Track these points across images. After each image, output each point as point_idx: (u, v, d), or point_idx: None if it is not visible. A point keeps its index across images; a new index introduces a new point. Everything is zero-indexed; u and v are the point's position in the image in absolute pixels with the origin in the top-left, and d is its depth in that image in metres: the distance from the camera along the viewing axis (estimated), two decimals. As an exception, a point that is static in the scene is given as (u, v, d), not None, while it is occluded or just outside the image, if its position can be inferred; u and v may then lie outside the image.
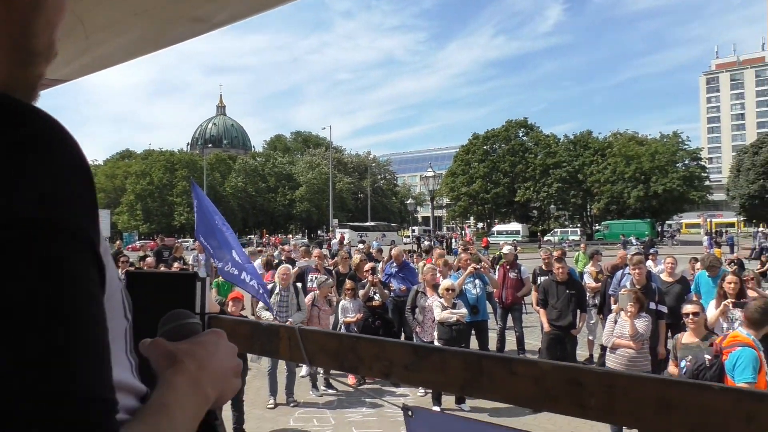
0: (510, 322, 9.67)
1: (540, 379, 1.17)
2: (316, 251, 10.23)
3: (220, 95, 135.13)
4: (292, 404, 7.10)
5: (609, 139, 64.70)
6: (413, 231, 62.98)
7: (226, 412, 6.28)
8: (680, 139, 60.30)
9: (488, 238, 47.01)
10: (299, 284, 8.29)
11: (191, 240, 49.97)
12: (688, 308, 5.16)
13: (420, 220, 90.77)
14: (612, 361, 5.85)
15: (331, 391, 7.69)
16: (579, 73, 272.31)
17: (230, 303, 6.45)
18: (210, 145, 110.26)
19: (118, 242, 23.96)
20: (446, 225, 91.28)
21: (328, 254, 16.66)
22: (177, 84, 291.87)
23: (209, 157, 79.23)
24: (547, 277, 7.95)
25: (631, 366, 5.70)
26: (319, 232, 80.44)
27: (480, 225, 75.60)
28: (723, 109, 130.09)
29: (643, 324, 5.77)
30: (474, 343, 8.34)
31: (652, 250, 14.53)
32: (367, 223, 69.13)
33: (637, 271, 6.86)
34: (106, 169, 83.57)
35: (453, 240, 44.17)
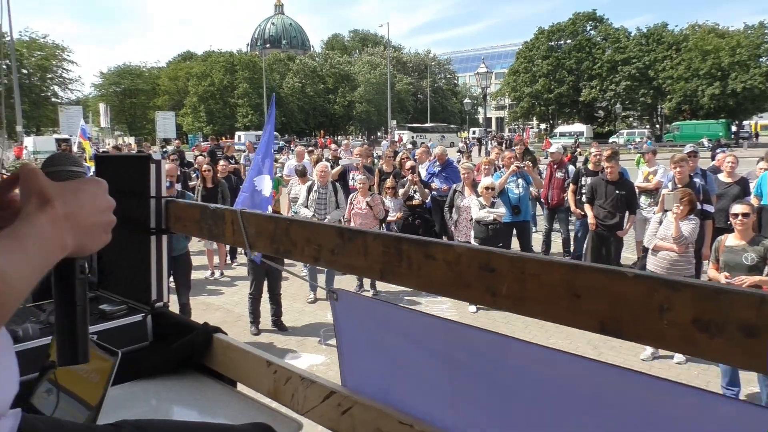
0: (556, 224, 9.47)
1: (454, 264, 1.05)
2: (357, 149, 10.14)
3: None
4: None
5: (686, 32, 59.74)
6: (473, 132, 61.81)
7: (265, 305, 6.54)
8: (767, 31, 54.98)
9: (551, 140, 45.50)
10: (339, 183, 8.30)
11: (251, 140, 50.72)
12: (736, 209, 4.84)
13: (481, 121, 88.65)
14: (653, 264, 5.64)
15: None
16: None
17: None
18: (268, 46, 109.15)
19: (176, 141, 24.51)
20: (508, 126, 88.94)
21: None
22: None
23: (268, 58, 78.66)
24: (596, 177, 7.60)
25: (673, 270, 5.47)
26: (378, 133, 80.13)
27: (543, 126, 73.19)
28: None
29: (689, 227, 5.46)
30: (516, 244, 8.26)
31: (718, 150, 13.67)
32: (426, 125, 68.20)
33: (678, 169, 6.44)
34: (169, 71, 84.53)
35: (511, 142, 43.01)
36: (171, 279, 5.92)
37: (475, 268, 1.02)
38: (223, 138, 61.81)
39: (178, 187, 7.47)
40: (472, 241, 7.06)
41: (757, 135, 55.96)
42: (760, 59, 53.80)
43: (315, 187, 7.62)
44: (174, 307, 6.00)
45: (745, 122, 58.74)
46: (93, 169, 10.37)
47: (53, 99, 60.13)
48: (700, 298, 0.78)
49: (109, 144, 31.55)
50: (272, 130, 6.30)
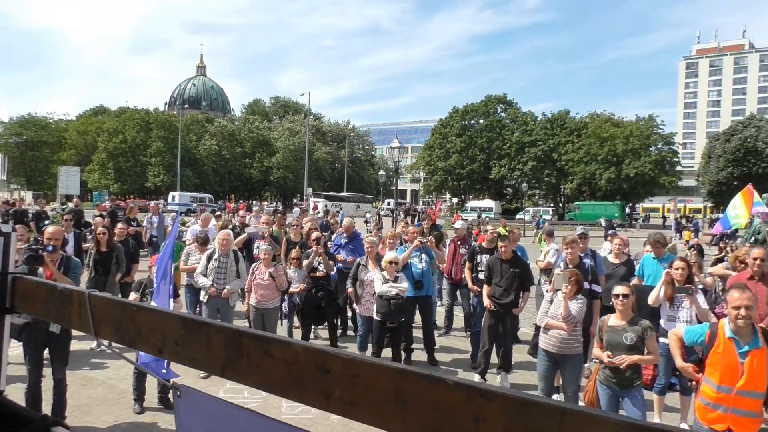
0: (459, 298, 9.64)
1: (292, 362, 1.02)
2: (264, 217, 10.02)
3: (201, 55, 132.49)
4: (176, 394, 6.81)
5: (585, 120, 64.82)
6: (388, 203, 63.04)
7: (152, 380, 6.14)
8: (655, 123, 60.62)
9: (461, 214, 47.02)
10: (242, 251, 8.11)
11: (162, 201, 49.32)
12: (617, 290, 5.12)
13: (395, 193, 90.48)
14: (544, 342, 5.81)
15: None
16: (563, 52, 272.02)
17: (152, 269, 6.21)
18: (188, 106, 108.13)
19: (76, 199, 23.37)
20: (422, 199, 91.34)
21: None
22: (157, 41, 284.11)
23: (186, 118, 77.66)
24: (492, 256, 7.80)
25: (563, 347, 5.67)
26: (294, 200, 79.97)
27: (455, 200, 75.76)
28: (700, 95, 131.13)
29: (577, 306, 5.71)
30: (418, 318, 8.30)
31: (610, 231, 14.59)
32: (342, 194, 68.94)
33: (569, 250, 6.79)
34: (78, 124, 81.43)
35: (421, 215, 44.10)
36: (46, 350, 5.46)
37: (311, 368, 0.99)
38: (131, 197, 59.70)
39: (69, 249, 7.05)
40: (374, 316, 7.04)
41: (647, 217, 60.47)
42: (650, 149, 59.01)
43: (215, 255, 7.40)
44: (48, 381, 5.53)
45: (638, 204, 63.55)
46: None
47: (-57, 147, 56.34)
48: (509, 409, 0.79)
49: (0, 197, 29.53)
50: (173, 246, 6.05)
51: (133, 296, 6.18)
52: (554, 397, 6.14)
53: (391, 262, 7.06)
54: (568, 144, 61.56)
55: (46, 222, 14.07)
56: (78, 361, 7.02)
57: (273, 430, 1.09)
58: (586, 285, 6.48)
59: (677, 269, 6.02)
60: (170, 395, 6.07)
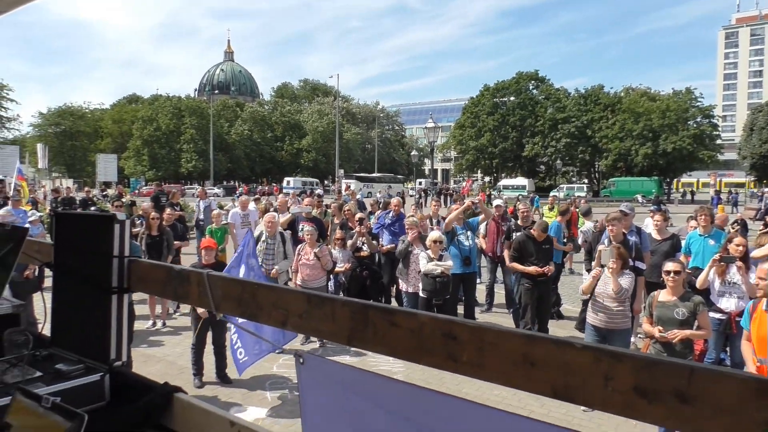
0: (500, 275, 9.70)
1: (417, 331, 1.13)
2: (306, 199, 10.19)
3: (228, 41, 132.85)
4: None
5: (620, 95, 63.43)
6: (420, 183, 62.95)
7: (209, 356, 6.38)
8: (693, 96, 59.02)
9: (493, 192, 46.72)
10: (289, 232, 8.30)
11: (197, 186, 50.18)
12: (669, 266, 5.12)
13: (427, 172, 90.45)
14: (592, 317, 5.86)
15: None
16: (595, 25, 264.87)
17: (203, 251, 6.42)
18: (217, 92, 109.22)
19: (119, 186, 23.98)
20: (453, 178, 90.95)
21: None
22: (185, 28, 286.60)
23: (216, 104, 78.54)
24: (521, 234, 7.87)
25: (611, 322, 5.71)
26: (325, 181, 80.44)
27: (487, 179, 75.27)
28: (741, 66, 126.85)
29: (626, 280, 5.73)
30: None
31: (653, 207, 14.42)
32: (374, 174, 69.05)
33: (612, 227, 6.77)
34: (113, 113, 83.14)
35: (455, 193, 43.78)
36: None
37: (438, 335, 1.10)
38: (166, 182, 60.84)
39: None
40: (421, 293, 7.17)
41: (687, 193, 59.12)
42: (688, 123, 57.52)
43: (263, 237, 7.60)
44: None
45: (674, 180, 62.16)
46: (30, 213, 10.02)
47: (-11, 138, 58.11)
48: (639, 368, 0.88)
49: (45, 185, 30.48)
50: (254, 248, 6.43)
51: None
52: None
53: (435, 241, 7.16)
54: (603, 120, 60.48)
55: (92, 208, 14.52)
56: (137, 339, 7.34)
57: (402, 391, 1.19)
58: (630, 262, 6.49)
59: (738, 246, 5.98)
60: (226, 372, 6.32)
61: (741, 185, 65.32)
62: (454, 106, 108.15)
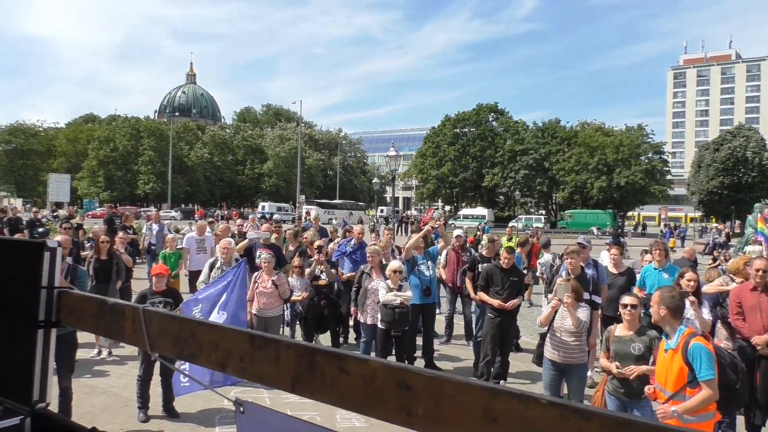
0: (459, 306, 9.66)
1: (369, 379, 1.03)
2: (265, 225, 10.00)
3: (191, 63, 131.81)
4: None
5: (576, 129, 65.33)
6: (381, 210, 63.09)
7: (156, 388, 6.10)
8: (645, 132, 61.27)
9: (454, 222, 47.10)
10: (245, 259, 8.07)
11: (152, 209, 49.11)
12: (626, 300, 5.14)
13: (389, 200, 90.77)
14: (550, 352, 5.82)
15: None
16: (552, 61, 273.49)
17: (153, 278, 6.18)
18: (178, 114, 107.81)
19: (70, 208, 23.21)
20: (414, 206, 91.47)
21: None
22: (146, 49, 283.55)
23: (177, 126, 77.49)
24: (490, 264, 7.84)
25: (569, 358, 5.70)
26: (286, 207, 79.80)
27: (447, 208, 75.96)
28: (688, 105, 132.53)
29: (583, 313, 5.74)
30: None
31: (609, 241, 14.68)
32: (335, 201, 68.93)
33: (570, 260, 6.82)
34: (68, 132, 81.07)
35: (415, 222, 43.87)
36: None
37: (391, 385, 1.01)
38: (120, 204, 59.40)
39: (69, 260, 7.00)
40: (379, 324, 7.04)
41: (644, 226, 60.81)
42: (640, 158, 59.54)
43: (218, 264, 7.38)
44: (53, 389, 5.49)
45: (628, 213, 64.00)
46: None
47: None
48: (608, 428, 0.80)
49: (-8, 205, 29.33)
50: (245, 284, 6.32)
51: None
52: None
53: (395, 271, 7.07)
54: (559, 153, 62.02)
55: (40, 230, 13.98)
56: (80, 369, 6.95)
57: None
58: (587, 295, 6.52)
59: (690, 281, 6.06)
60: (173, 406, 6.04)
61: (695, 219, 67.39)
62: (416, 135, 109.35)
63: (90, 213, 50.22)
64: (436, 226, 8.40)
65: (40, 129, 79.39)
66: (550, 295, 7.81)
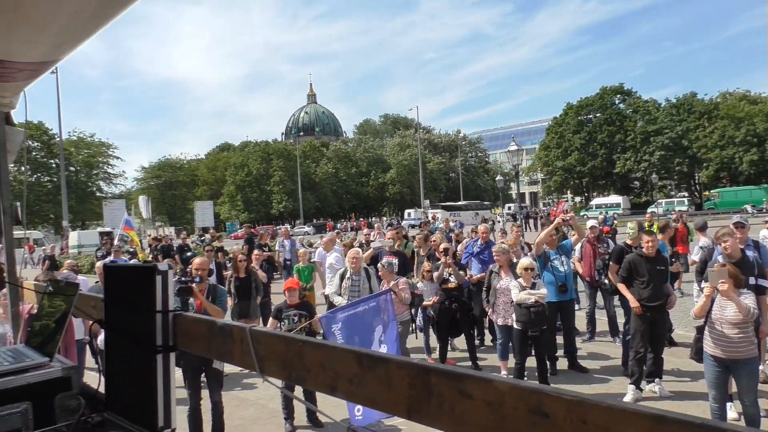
0: (600, 300, 9.05)
1: (496, 404, 0.85)
2: (389, 233, 10.01)
3: (310, 84, 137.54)
4: None
5: (716, 101, 59.66)
6: (509, 208, 61.69)
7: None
8: (801, 94, 54.66)
9: (587, 213, 44.91)
10: (372, 268, 8.09)
11: (287, 226, 51.71)
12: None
13: (515, 197, 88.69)
14: (711, 347, 5.19)
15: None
16: (679, 33, 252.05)
17: (286, 292, 6.31)
18: (302, 134, 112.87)
19: (212, 231, 24.96)
20: (542, 201, 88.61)
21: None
22: (268, 76, 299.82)
23: (302, 146, 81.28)
24: (632, 254, 7.15)
25: (734, 351, 5.03)
26: (411, 213, 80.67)
27: (578, 199, 72.67)
28: None
29: (750, 300, 5.04)
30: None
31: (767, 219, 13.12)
32: (460, 203, 68.50)
33: (725, 243, 6.00)
34: (208, 162, 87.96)
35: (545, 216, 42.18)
36: (203, 375, 5.74)
37: (523, 411, 0.82)
38: (258, 224, 63.16)
39: (212, 280, 7.41)
40: (514, 325, 6.73)
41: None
42: (797, 123, 53.20)
43: (348, 274, 7.45)
44: (206, 403, 5.79)
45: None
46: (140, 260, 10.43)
47: (98, 194, 62.93)
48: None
49: (150, 234, 32.36)
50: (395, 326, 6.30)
51: (271, 322, 6.32)
52: (728, 405, 5.50)
53: (527, 269, 6.73)
54: (699, 129, 57.05)
55: (188, 254, 15.09)
56: (230, 382, 7.32)
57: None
58: (752, 280, 5.78)
59: None
60: (317, 416, 6.15)
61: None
62: (537, 128, 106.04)
63: (232, 234, 53.93)
64: (567, 218, 7.90)
65: (184, 161, 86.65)
66: (703, 283, 7.05)
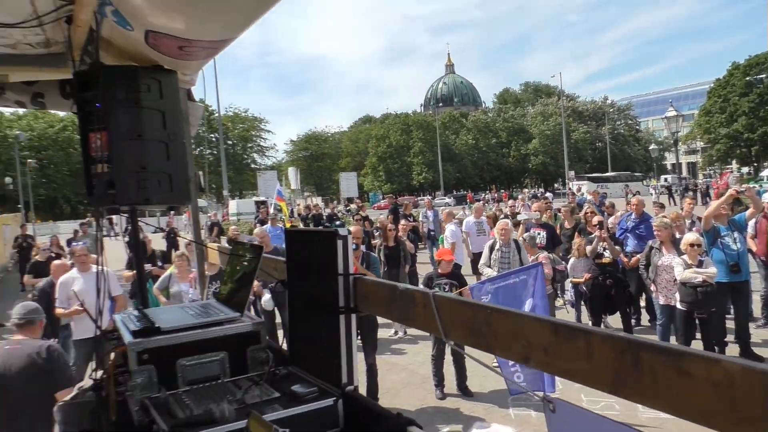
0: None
1: (724, 386, 0.79)
2: (535, 204, 9.71)
3: (448, 54, 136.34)
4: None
5: None
6: (665, 180, 57.23)
7: (449, 366, 6.31)
8: None
9: (757, 185, 40.39)
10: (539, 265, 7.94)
11: (428, 197, 52.22)
12: None
13: (669, 167, 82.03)
14: None
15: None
16: None
17: (441, 262, 6.37)
18: (441, 104, 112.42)
19: (357, 201, 25.84)
20: (701, 171, 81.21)
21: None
22: (406, 48, 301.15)
23: (441, 116, 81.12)
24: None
25: None
26: (555, 185, 77.66)
27: (745, 170, 65.58)
28: None
29: None
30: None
31: None
32: (608, 174, 64.74)
33: None
34: (350, 134, 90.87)
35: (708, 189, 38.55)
36: (358, 338, 6.03)
37: (758, 396, 0.75)
38: (399, 195, 64.38)
39: (363, 248, 7.69)
40: (678, 305, 6.28)
41: None
42: None
43: (497, 246, 7.37)
44: (361, 366, 6.08)
45: None
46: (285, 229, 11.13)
47: (252, 165, 67.81)
48: None
49: (299, 204, 34.36)
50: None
51: None
52: None
53: (692, 245, 6.22)
54: None
55: (337, 223, 15.79)
56: (381, 347, 7.62)
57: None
58: None
59: None
60: (467, 385, 6.19)
61: None
62: (696, 92, 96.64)
63: (375, 205, 55.52)
64: (742, 190, 7.15)
65: (329, 134, 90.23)
66: None
